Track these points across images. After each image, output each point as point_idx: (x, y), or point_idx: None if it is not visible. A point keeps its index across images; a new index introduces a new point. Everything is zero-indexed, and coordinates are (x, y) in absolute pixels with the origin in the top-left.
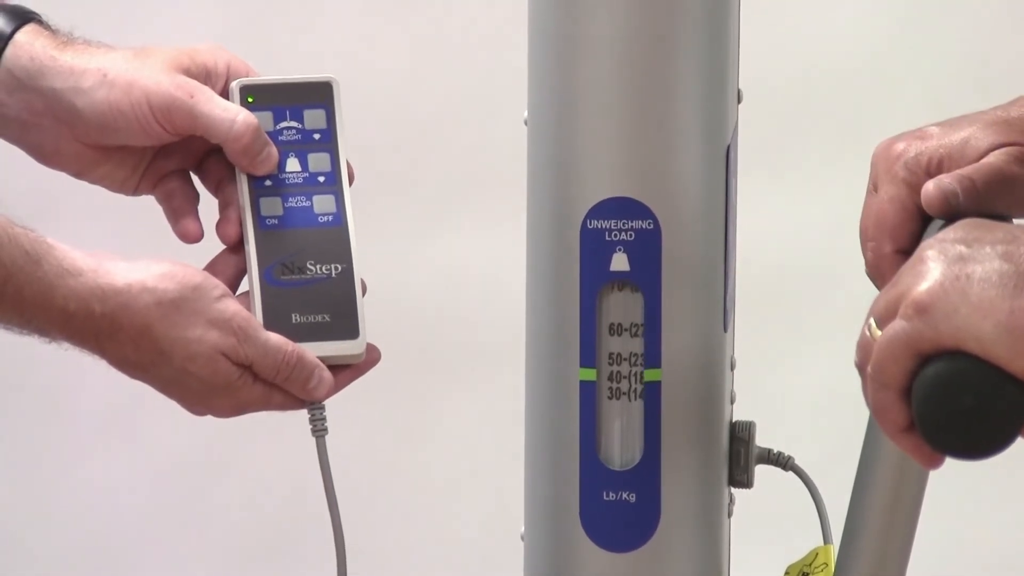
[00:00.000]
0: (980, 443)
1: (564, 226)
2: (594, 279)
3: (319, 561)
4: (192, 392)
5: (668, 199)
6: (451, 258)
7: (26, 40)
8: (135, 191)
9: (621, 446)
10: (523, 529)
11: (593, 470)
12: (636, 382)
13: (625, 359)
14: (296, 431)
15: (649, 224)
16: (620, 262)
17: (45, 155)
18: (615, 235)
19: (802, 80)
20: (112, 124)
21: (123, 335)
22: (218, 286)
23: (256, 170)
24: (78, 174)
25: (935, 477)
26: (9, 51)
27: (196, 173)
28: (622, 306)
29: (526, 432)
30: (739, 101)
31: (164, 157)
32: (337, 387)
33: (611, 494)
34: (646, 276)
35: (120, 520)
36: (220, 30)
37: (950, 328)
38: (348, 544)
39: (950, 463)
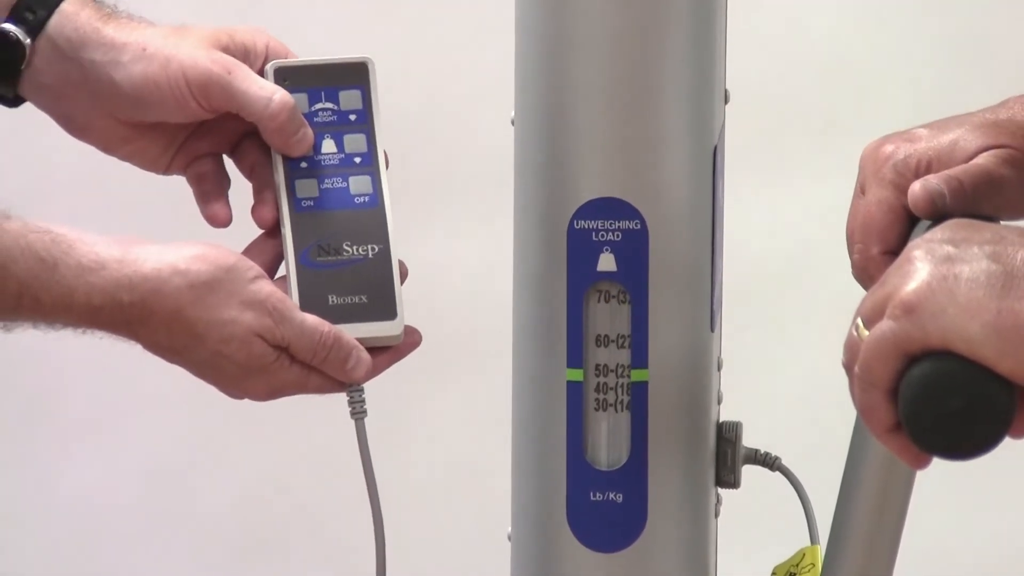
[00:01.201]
0: (967, 443)
1: (551, 226)
2: (581, 279)
3: (306, 560)
4: (227, 375)
5: (655, 199)
6: (438, 258)
7: (72, 10)
8: (166, 170)
9: (608, 446)
10: (510, 529)
11: (580, 470)
12: (623, 391)
13: (612, 371)
14: (284, 429)
15: (636, 224)
16: (607, 262)
17: (76, 127)
18: (602, 235)
19: (784, 80)
20: (148, 99)
21: (155, 320)
22: (252, 267)
23: (291, 151)
24: (107, 149)
25: (922, 477)
26: (55, 20)
27: (230, 156)
28: (608, 318)
29: (513, 432)
30: (726, 101)
31: (199, 138)
32: (376, 370)
33: (598, 494)
34: (633, 276)
35: (107, 521)
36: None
37: (937, 328)
38: (335, 543)
39: (937, 463)
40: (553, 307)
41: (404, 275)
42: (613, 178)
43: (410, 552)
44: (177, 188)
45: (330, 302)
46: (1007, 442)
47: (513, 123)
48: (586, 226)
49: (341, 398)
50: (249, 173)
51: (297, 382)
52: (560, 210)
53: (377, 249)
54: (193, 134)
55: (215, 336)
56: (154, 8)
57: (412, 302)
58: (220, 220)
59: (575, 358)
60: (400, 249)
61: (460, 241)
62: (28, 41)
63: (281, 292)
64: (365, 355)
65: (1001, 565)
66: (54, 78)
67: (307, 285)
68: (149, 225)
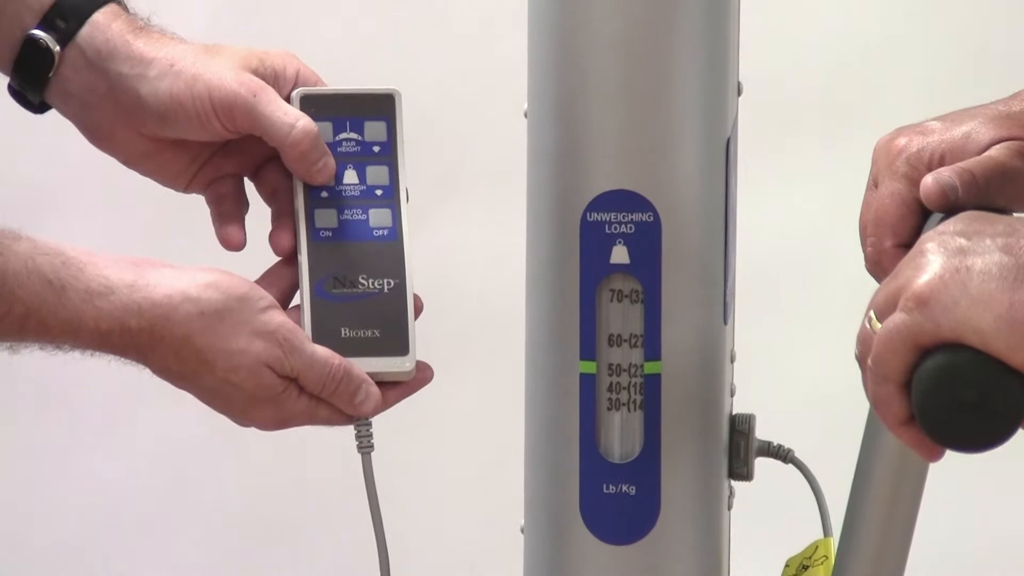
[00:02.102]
0: (980, 436)
1: (564, 219)
2: (594, 272)
3: (315, 551)
4: (235, 404)
5: (668, 192)
6: (451, 250)
7: (104, 21)
8: (186, 188)
9: (621, 439)
10: (523, 521)
11: (593, 463)
12: (636, 390)
13: (625, 370)
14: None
15: (649, 217)
16: (620, 255)
17: (99, 137)
18: (615, 228)
19: (797, 72)
20: (171, 116)
21: (164, 345)
22: (264, 297)
23: (312, 179)
24: (128, 162)
25: (935, 469)
26: (85, 30)
27: (252, 179)
28: (620, 317)
29: (526, 424)
30: (739, 94)
31: (221, 158)
32: (385, 404)
33: (611, 487)
34: (646, 269)
35: (117, 512)
36: (212, 17)
37: (950, 321)
38: (348, 537)
39: (950, 455)
40: (566, 300)
41: (419, 310)
42: (626, 170)
43: (423, 544)
44: (193, 200)
45: (343, 335)
46: (1020, 433)
47: (526, 116)
48: (599, 218)
49: None
50: (269, 198)
51: (305, 413)
52: (573, 202)
53: (393, 283)
54: (216, 154)
55: (223, 365)
56: (179, 19)
57: (424, 295)
58: (234, 243)
59: (588, 351)
60: (412, 242)
61: (473, 233)
62: (57, 49)
63: (292, 323)
64: (374, 389)
65: (1016, 554)
66: (81, 87)
67: (320, 316)
68: (165, 238)
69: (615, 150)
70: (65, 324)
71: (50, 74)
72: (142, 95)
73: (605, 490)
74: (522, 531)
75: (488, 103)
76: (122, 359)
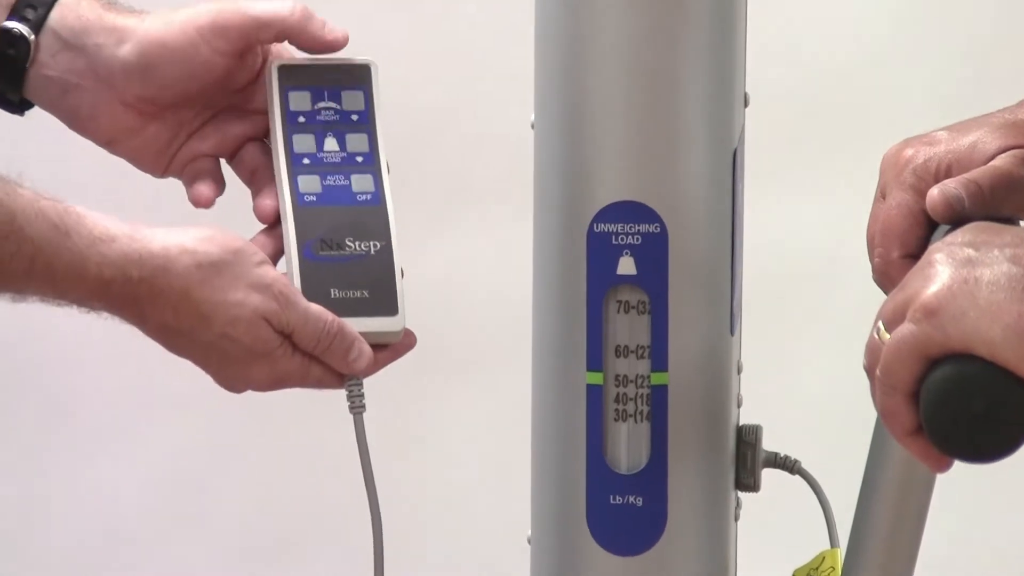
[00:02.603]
0: (988, 447)
1: (571, 229)
2: (601, 282)
3: (322, 563)
4: (231, 360)
5: (675, 203)
6: (457, 259)
7: (72, 2)
8: (165, 171)
9: (628, 450)
10: (530, 532)
11: (600, 474)
12: (643, 401)
13: (631, 381)
14: (298, 431)
15: (656, 228)
16: (627, 266)
17: (81, 120)
18: (622, 239)
19: (804, 82)
20: (155, 61)
21: (162, 299)
22: (258, 252)
23: (327, 42)
24: (111, 143)
25: (942, 480)
26: (55, 12)
27: (229, 162)
28: (627, 328)
29: (533, 435)
30: (746, 104)
31: (200, 140)
32: (377, 365)
33: (618, 498)
34: (653, 280)
35: (124, 521)
36: None
37: (958, 331)
38: (353, 546)
39: (958, 465)
40: (573, 311)
41: (402, 276)
42: (633, 181)
43: (429, 555)
44: (182, 203)
45: (332, 295)
46: None
47: (533, 126)
48: (606, 229)
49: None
50: (249, 179)
51: (299, 372)
52: (580, 213)
53: (379, 246)
54: (194, 135)
55: (222, 318)
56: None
57: (431, 304)
58: (204, 200)
59: (595, 362)
60: (420, 250)
61: (479, 244)
62: (32, 36)
63: (286, 279)
64: (367, 347)
65: (1018, 564)
66: (59, 70)
67: (309, 277)
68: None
69: (621, 161)
70: (70, 268)
71: (28, 64)
72: (121, 57)
73: (612, 501)
74: (529, 542)
75: (495, 114)
76: (119, 315)
